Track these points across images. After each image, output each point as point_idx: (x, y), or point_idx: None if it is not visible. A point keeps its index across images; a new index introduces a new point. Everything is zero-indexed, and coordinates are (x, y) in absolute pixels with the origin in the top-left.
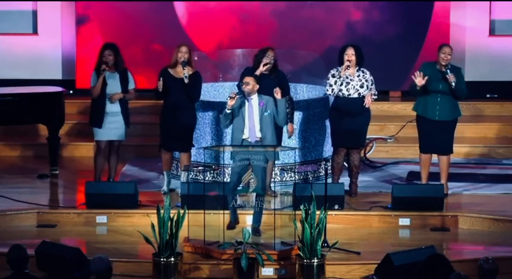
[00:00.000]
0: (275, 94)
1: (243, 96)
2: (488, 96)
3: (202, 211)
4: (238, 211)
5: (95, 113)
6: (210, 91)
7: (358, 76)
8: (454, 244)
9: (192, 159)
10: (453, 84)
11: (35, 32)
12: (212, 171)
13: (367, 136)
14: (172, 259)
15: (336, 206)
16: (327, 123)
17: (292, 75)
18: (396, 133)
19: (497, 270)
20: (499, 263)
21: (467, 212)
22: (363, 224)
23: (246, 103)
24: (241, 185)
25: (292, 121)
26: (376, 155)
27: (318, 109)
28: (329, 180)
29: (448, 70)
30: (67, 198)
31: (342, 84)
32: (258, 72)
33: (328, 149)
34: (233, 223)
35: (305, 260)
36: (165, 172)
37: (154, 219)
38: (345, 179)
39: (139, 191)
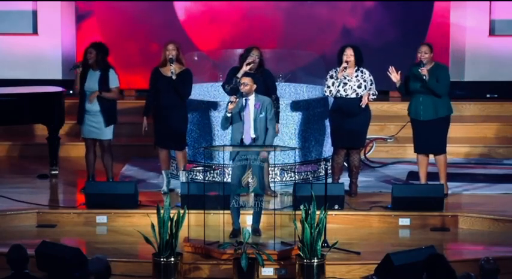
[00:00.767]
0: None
1: (241, 96)
2: (488, 96)
3: (202, 211)
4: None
5: (78, 110)
6: (210, 91)
7: (357, 76)
8: (454, 244)
9: (192, 159)
10: (424, 77)
11: (35, 32)
12: (212, 171)
13: (368, 136)
14: (172, 259)
15: (336, 206)
16: (327, 123)
17: (292, 75)
18: (396, 133)
19: (499, 270)
20: (499, 263)
21: (467, 212)
22: (363, 224)
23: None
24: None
25: (278, 121)
26: (376, 155)
27: (318, 109)
28: (329, 180)
29: (422, 64)
30: (67, 198)
31: (339, 85)
32: (241, 73)
33: (328, 149)
34: (237, 230)
35: (305, 260)
36: (163, 172)
37: (154, 219)
38: (345, 179)
39: (139, 191)
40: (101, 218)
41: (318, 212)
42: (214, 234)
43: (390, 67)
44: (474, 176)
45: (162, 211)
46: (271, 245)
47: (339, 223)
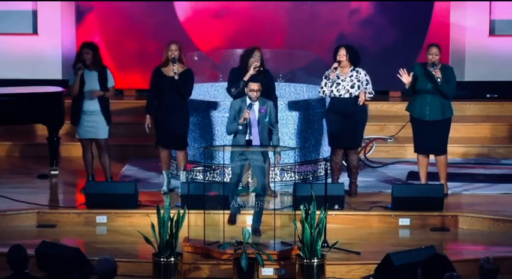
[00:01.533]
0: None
1: (250, 107)
2: (488, 96)
3: (202, 211)
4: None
5: (74, 111)
6: (210, 91)
7: (351, 76)
8: (454, 244)
9: (192, 159)
10: (438, 80)
11: (35, 32)
12: (212, 171)
13: (368, 136)
14: (172, 259)
15: (336, 206)
16: None
17: (292, 75)
18: (396, 133)
19: (498, 270)
20: (499, 263)
21: (467, 212)
22: (363, 224)
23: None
24: (240, 185)
25: (277, 121)
26: (376, 155)
27: (318, 109)
28: (329, 180)
29: (435, 66)
30: (67, 198)
31: (332, 85)
32: (247, 77)
33: (328, 149)
34: (234, 216)
35: (305, 260)
36: (164, 172)
37: (154, 219)
38: (344, 179)
39: (139, 191)
40: (101, 218)
41: (318, 212)
42: (214, 234)
43: (401, 69)
44: (474, 176)
45: (162, 211)
46: (271, 245)
47: (339, 223)
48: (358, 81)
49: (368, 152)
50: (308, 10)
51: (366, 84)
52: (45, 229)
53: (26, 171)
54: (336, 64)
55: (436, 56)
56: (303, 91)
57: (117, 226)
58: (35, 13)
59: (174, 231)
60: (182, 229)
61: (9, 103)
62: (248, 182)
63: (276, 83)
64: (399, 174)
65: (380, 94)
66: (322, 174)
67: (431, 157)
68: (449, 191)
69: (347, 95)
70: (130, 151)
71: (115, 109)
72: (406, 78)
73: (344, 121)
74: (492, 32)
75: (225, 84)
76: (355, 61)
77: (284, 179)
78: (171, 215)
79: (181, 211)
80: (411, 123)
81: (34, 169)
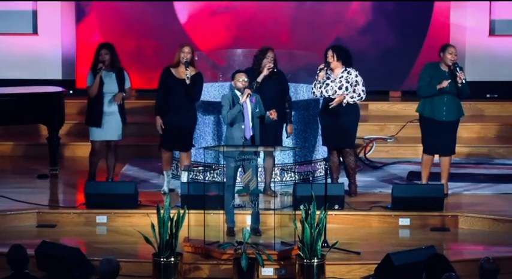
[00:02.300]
0: (270, 115)
1: (240, 91)
2: (488, 96)
3: (202, 211)
4: (237, 211)
5: (93, 113)
6: (210, 91)
7: (341, 77)
8: (454, 244)
9: (192, 159)
10: (463, 81)
11: (35, 32)
12: (212, 171)
13: (368, 136)
14: (172, 259)
15: (336, 206)
16: None
17: (292, 75)
18: (396, 133)
19: (498, 270)
20: (499, 263)
21: (467, 212)
22: (363, 224)
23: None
24: (241, 185)
25: (291, 122)
26: (376, 155)
27: (318, 110)
28: (329, 180)
29: (458, 68)
30: (67, 198)
31: (321, 86)
32: (260, 78)
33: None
34: (232, 228)
35: (305, 260)
36: (165, 172)
37: (154, 219)
38: (344, 179)
39: (139, 191)
40: (101, 218)
41: (318, 212)
42: (214, 234)
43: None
44: (474, 176)
45: (162, 211)
46: (271, 245)
47: (339, 223)
48: (347, 82)
49: (368, 152)
50: (309, 10)
51: (355, 85)
52: (45, 229)
53: (26, 171)
54: (321, 65)
55: (455, 56)
56: (303, 91)
57: (117, 226)
58: (35, 13)
59: (174, 231)
60: (182, 229)
61: (9, 103)
62: (249, 182)
63: (288, 83)
64: (399, 174)
65: (380, 94)
66: (322, 174)
67: (436, 157)
68: (449, 191)
69: (335, 96)
70: (131, 151)
71: None
72: (445, 83)
73: (334, 121)
74: (492, 32)
75: (225, 84)
76: (345, 61)
77: (284, 179)
78: (171, 215)
79: (181, 211)
80: (421, 123)
81: (34, 169)
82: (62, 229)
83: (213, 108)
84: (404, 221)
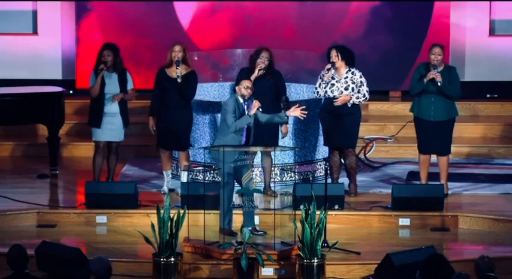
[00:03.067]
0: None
1: (244, 99)
2: (488, 96)
3: (202, 211)
4: (236, 212)
5: (94, 113)
6: (210, 91)
7: (346, 78)
8: (454, 244)
9: (192, 159)
10: (439, 83)
11: (35, 32)
12: (212, 171)
13: (368, 136)
14: (172, 259)
15: (336, 206)
16: None
17: (292, 75)
18: (396, 133)
19: (494, 267)
20: (499, 263)
21: (467, 212)
22: (363, 224)
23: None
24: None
25: (287, 122)
26: (376, 155)
27: (318, 110)
28: (329, 180)
29: (436, 70)
30: (67, 198)
31: (326, 86)
32: (252, 78)
33: (328, 149)
34: (228, 230)
35: (305, 260)
36: (164, 172)
37: (154, 219)
38: (344, 179)
39: (139, 191)
40: (101, 218)
41: (318, 212)
42: (214, 235)
43: (433, 71)
44: (474, 176)
45: (162, 211)
46: (271, 245)
47: (339, 223)
48: (353, 83)
49: (368, 152)
50: (309, 10)
51: (360, 86)
52: (45, 229)
53: (26, 171)
54: (328, 65)
55: (438, 56)
56: (303, 91)
57: (117, 226)
58: (35, 13)
59: (174, 231)
60: (182, 229)
61: (9, 103)
62: (249, 182)
63: (285, 83)
64: (399, 174)
65: (380, 94)
66: (322, 174)
67: (433, 157)
68: (449, 191)
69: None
70: (131, 151)
71: None
72: (431, 73)
73: (336, 121)
74: (492, 32)
75: (225, 84)
76: (349, 61)
77: (284, 179)
78: (171, 215)
79: (181, 211)
80: (415, 123)
81: (34, 169)
82: (62, 229)
83: (213, 108)
84: (404, 221)
